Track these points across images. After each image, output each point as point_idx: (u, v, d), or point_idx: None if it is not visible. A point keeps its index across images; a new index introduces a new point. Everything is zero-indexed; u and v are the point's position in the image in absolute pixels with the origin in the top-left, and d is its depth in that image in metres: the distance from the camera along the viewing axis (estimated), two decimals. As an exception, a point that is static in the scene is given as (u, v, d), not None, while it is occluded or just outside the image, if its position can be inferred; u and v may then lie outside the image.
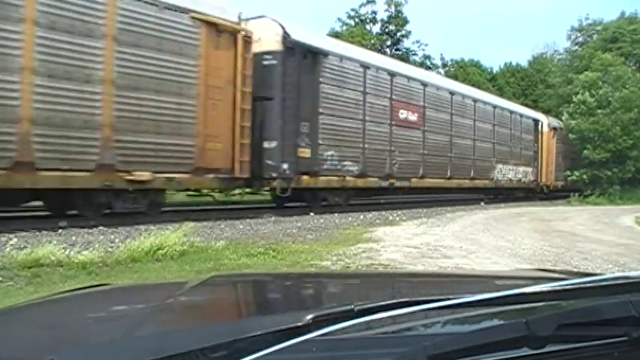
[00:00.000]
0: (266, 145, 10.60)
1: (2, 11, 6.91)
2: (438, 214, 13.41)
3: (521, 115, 21.46)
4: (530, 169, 21.84)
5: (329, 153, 11.97)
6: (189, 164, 9.13)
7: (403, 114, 14.44)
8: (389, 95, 13.94)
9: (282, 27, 10.89)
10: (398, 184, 14.22)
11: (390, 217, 11.72)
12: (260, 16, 10.95)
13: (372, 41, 33.53)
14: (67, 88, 7.53)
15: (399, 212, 12.79)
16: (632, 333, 0.67)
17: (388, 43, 36.61)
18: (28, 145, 7.17)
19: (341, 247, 6.90)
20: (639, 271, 1.54)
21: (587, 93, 24.31)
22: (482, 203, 18.53)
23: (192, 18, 9.05)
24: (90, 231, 7.45)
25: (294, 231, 8.63)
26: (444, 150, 16.30)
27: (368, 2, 35.96)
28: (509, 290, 0.73)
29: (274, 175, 10.69)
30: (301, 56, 11.10)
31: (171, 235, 5.98)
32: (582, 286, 0.78)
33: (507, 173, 20.16)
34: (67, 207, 8.39)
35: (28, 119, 7.15)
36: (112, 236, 7.10)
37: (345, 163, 12.43)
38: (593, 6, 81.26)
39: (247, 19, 10.32)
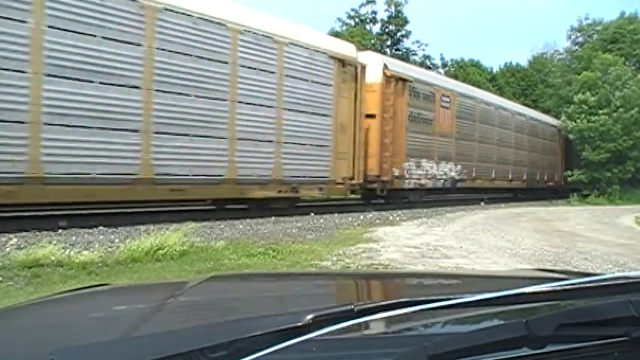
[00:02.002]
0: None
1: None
2: (438, 214, 13.41)
3: None
4: None
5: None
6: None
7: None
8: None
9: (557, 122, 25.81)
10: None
11: (390, 217, 11.72)
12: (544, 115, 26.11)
13: (372, 41, 33.49)
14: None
15: (399, 212, 12.79)
16: (632, 333, 0.67)
17: (388, 43, 36.59)
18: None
19: (341, 247, 6.90)
20: (639, 271, 1.53)
21: (587, 93, 24.30)
22: (482, 203, 18.55)
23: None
24: (90, 231, 7.44)
25: (294, 231, 8.63)
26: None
27: (368, 2, 35.96)
28: (509, 290, 0.72)
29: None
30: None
31: (172, 235, 5.99)
32: (582, 286, 0.78)
33: None
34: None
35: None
36: (112, 236, 7.09)
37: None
38: (593, 6, 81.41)
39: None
